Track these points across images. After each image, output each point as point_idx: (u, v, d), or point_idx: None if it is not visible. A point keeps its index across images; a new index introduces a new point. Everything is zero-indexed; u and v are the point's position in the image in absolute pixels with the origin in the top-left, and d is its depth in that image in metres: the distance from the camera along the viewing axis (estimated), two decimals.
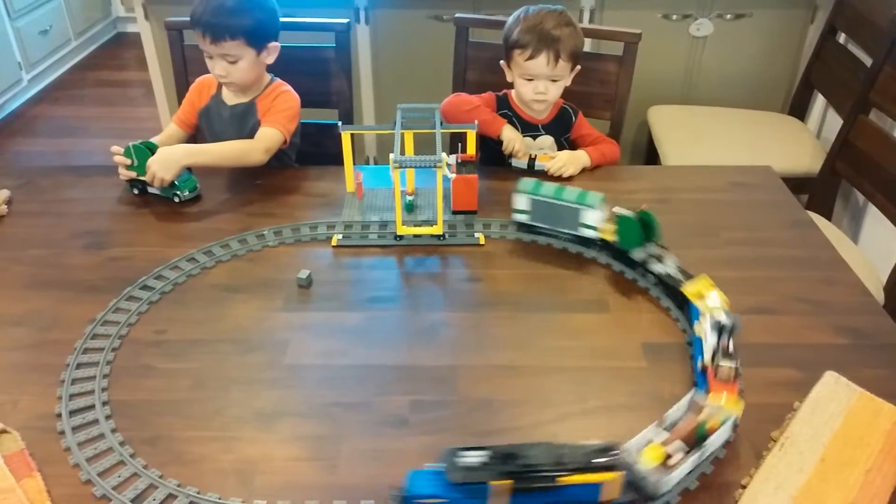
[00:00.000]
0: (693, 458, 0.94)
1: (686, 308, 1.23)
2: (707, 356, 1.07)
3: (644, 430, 0.96)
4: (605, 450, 0.86)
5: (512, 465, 0.84)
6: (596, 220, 1.38)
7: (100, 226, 1.51)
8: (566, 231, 1.43)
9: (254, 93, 1.74)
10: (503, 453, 0.85)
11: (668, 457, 0.92)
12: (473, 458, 0.85)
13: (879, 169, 1.86)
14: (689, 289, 1.22)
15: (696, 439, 0.94)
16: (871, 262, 1.92)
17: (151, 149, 1.56)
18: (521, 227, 1.49)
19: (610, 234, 1.37)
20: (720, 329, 1.09)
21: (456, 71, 2.01)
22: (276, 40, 1.70)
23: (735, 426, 1.01)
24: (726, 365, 1.04)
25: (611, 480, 0.86)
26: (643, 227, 1.33)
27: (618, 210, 1.35)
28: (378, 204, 1.57)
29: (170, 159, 1.55)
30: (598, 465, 0.85)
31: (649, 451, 0.92)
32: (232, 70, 1.65)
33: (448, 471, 0.84)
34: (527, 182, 1.44)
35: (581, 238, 1.43)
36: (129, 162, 1.57)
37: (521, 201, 1.44)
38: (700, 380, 1.07)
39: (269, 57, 1.70)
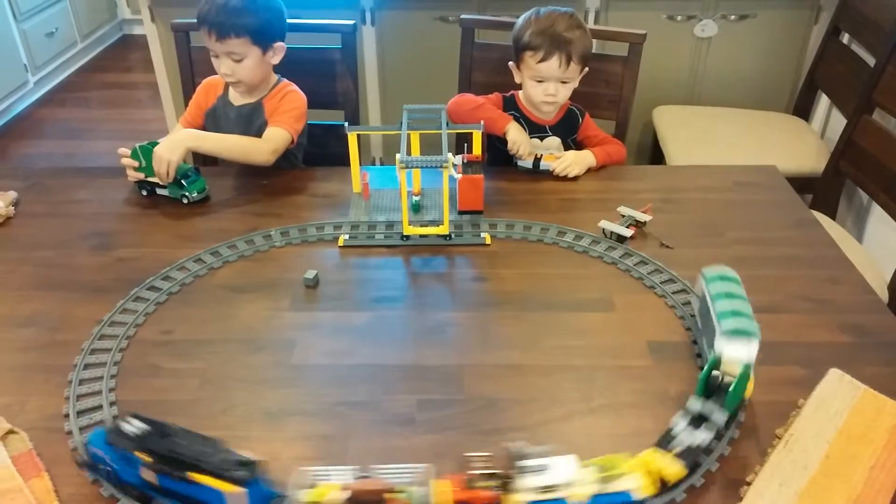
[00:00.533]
0: None
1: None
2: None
3: (338, 467, 0.89)
4: (245, 464, 0.85)
5: (159, 445, 0.85)
6: (723, 348, 1.04)
7: (107, 227, 1.52)
8: (707, 344, 1.14)
9: (260, 93, 1.75)
10: (163, 432, 0.87)
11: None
12: (132, 426, 0.87)
13: (883, 168, 1.86)
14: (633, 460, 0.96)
15: (373, 501, 0.87)
16: (875, 260, 1.92)
17: None
18: (527, 227, 1.49)
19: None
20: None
21: (462, 72, 2.02)
22: (283, 41, 1.71)
23: None
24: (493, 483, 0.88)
25: (232, 493, 0.85)
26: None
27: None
28: (384, 204, 1.57)
29: (175, 140, 1.57)
30: (228, 475, 0.84)
31: (322, 487, 0.87)
32: (237, 69, 1.66)
33: (108, 431, 0.88)
34: (713, 269, 1.18)
35: (587, 237, 1.43)
36: (136, 164, 1.57)
37: (699, 284, 1.20)
38: None
39: (275, 57, 1.71)
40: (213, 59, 1.68)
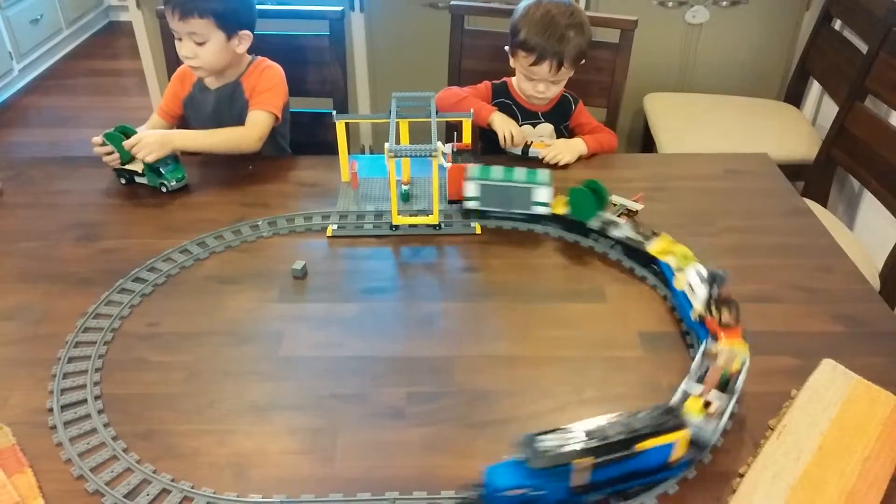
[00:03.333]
0: (729, 403, 0.98)
1: (654, 268, 1.31)
2: (700, 306, 1.13)
3: (680, 387, 1.00)
4: (668, 411, 0.92)
5: (591, 442, 0.86)
6: (547, 197, 1.40)
7: (91, 217, 1.50)
8: (519, 212, 1.44)
9: (236, 73, 1.72)
10: (581, 431, 0.88)
11: (708, 405, 0.96)
12: (552, 441, 0.87)
13: (875, 156, 1.86)
14: (654, 248, 1.30)
15: (722, 385, 0.99)
16: (866, 248, 1.91)
17: (126, 133, 1.55)
18: (520, 216, 1.47)
19: (562, 208, 1.41)
20: (712, 279, 1.13)
21: (452, 59, 2.00)
22: (251, 29, 1.67)
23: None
24: (727, 311, 1.08)
25: (680, 438, 0.90)
26: (594, 196, 1.37)
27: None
28: (373, 194, 1.55)
29: (165, 140, 1.55)
30: (667, 427, 0.89)
31: (691, 404, 0.96)
32: (199, 52, 1.61)
33: (531, 458, 0.86)
34: (474, 168, 1.44)
35: (577, 226, 1.42)
36: (110, 149, 1.55)
37: (470, 188, 1.43)
38: (700, 330, 1.12)
39: (241, 45, 1.66)
40: (176, 43, 1.64)
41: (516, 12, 1.68)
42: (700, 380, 1.01)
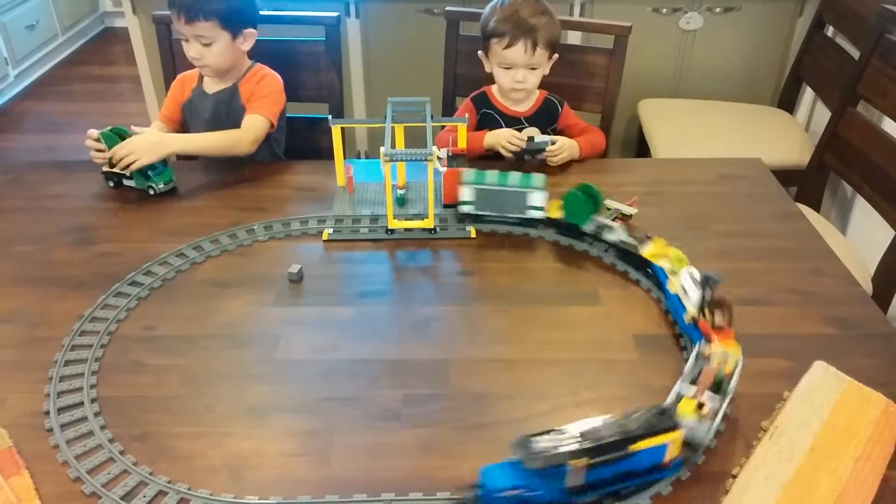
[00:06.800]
0: (722, 405, 0.99)
1: (648, 271, 1.33)
2: (693, 308, 1.14)
3: (674, 388, 1.02)
4: (662, 412, 0.93)
5: (585, 443, 0.87)
6: (542, 201, 1.42)
7: (87, 221, 1.50)
8: (513, 216, 1.45)
9: (235, 77, 1.74)
10: (575, 432, 0.88)
11: (701, 406, 0.98)
12: (547, 442, 0.87)
13: (867, 161, 1.87)
14: (647, 251, 1.31)
15: (716, 386, 1.01)
16: (859, 252, 1.93)
17: (121, 135, 1.56)
18: (514, 220, 1.48)
19: (556, 212, 1.42)
20: (705, 281, 1.15)
21: (447, 65, 2.01)
22: (254, 28, 1.69)
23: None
24: (720, 313, 1.10)
25: (674, 439, 0.91)
26: (589, 200, 1.39)
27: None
28: (369, 198, 1.56)
29: (160, 144, 1.56)
30: (661, 428, 0.90)
31: (684, 405, 0.97)
32: (206, 53, 1.65)
33: (526, 459, 0.86)
34: (469, 173, 1.45)
35: (572, 230, 1.43)
36: (103, 147, 1.56)
37: (465, 193, 1.44)
38: (693, 333, 1.13)
39: (246, 44, 1.69)
40: (183, 44, 1.68)
41: (484, 13, 1.71)
42: (693, 381, 1.02)
